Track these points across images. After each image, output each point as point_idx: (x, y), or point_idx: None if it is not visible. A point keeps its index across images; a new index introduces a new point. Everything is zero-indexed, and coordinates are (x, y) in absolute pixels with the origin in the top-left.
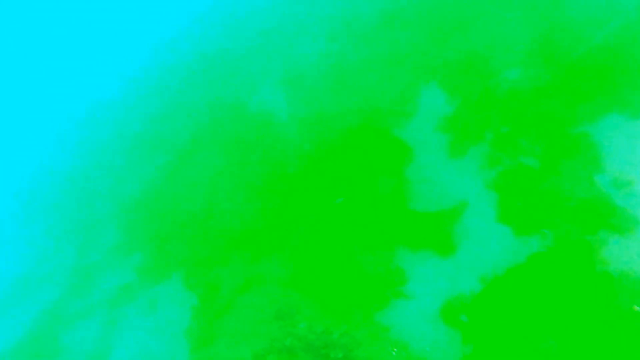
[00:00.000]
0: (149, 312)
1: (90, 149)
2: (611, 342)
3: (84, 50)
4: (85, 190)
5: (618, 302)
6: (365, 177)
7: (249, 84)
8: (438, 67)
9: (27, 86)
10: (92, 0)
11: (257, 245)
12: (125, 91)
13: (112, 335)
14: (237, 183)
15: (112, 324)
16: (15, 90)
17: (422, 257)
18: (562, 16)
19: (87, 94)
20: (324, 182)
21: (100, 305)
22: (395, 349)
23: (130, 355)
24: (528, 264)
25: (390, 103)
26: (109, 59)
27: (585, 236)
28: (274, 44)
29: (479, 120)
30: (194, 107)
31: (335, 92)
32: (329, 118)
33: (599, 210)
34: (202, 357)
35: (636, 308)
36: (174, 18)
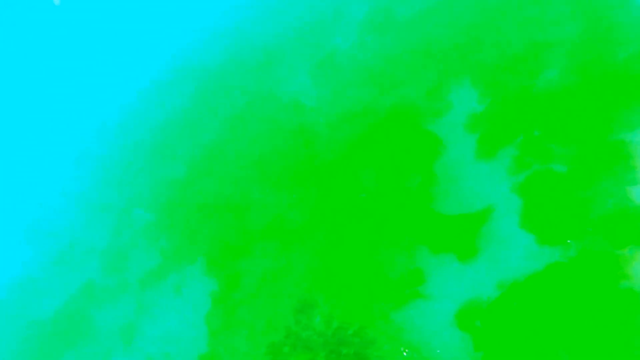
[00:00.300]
0: (173, 295)
1: (126, 133)
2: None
3: (125, 33)
4: (118, 174)
5: (639, 321)
6: (392, 173)
7: (281, 75)
8: (472, 63)
9: (71, 75)
10: None
11: (282, 237)
12: (161, 78)
13: (139, 315)
14: (266, 174)
15: (139, 305)
16: (60, 79)
17: (442, 259)
18: (608, 16)
19: (126, 80)
20: (350, 175)
21: (130, 286)
22: (406, 350)
23: (155, 335)
24: (549, 273)
25: (421, 98)
26: (149, 47)
27: (611, 249)
28: (307, 34)
29: (510, 121)
30: (227, 96)
31: (366, 84)
32: (359, 111)
33: (629, 223)
34: (219, 343)
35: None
36: (213, 9)
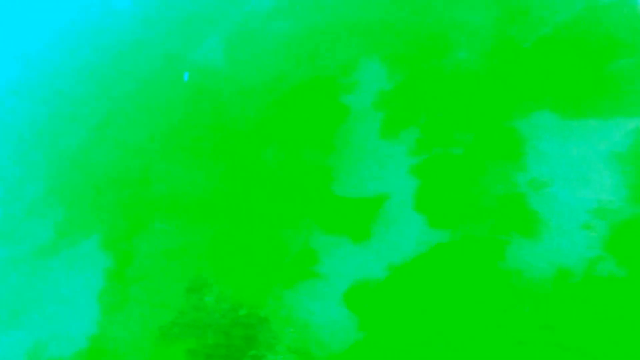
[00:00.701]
0: (65, 272)
1: (19, 103)
2: (501, 335)
3: None
4: (14, 142)
5: (514, 301)
6: (295, 149)
7: (193, 41)
8: (386, 41)
9: None
10: None
11: (181, 213)
12: (59, 45)
13: (28, 293)
14: (171, 144)
15: (28, 281)
16: None
17: (335, 239)
18: (518, 2)
19: (25, 44)
20: (256, 149)
21: (19, 261)
22: (292, 329)
23: (43, 314)
24: (436, 255)
25: (334, 72)
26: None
27: (494, 234)
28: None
29: (416, 101)
30: (135, 61)
31: (280, 54)
32: (270, 81)
33: (513, 209)
34: (110, 323)
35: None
36: None
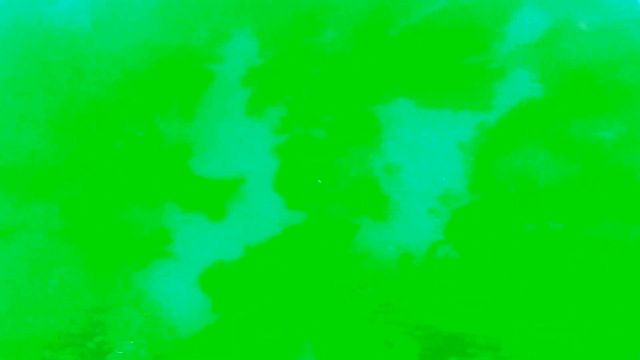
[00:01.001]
0: None
1: None
2: (346, 314)
3: None
4: None
5: (360, 282)
6: (156, 122)
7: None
8: (259, 14)
9: None
10: None
11: (27, 186)
12: None
13: None
14: (16, 112)
15: None
16: None
17: (191, 218)
18: None
19: None
20: (108, 122)
21: None
22: (143, 312)
23: None
24: (291, 236)
25: (205, 44)
26: None
27: (346, 216)
28: None
29: (284, 79)
30: None
31: (151, 22)
32: (138, 49)
33: (366, 193)
34: None
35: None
36: None
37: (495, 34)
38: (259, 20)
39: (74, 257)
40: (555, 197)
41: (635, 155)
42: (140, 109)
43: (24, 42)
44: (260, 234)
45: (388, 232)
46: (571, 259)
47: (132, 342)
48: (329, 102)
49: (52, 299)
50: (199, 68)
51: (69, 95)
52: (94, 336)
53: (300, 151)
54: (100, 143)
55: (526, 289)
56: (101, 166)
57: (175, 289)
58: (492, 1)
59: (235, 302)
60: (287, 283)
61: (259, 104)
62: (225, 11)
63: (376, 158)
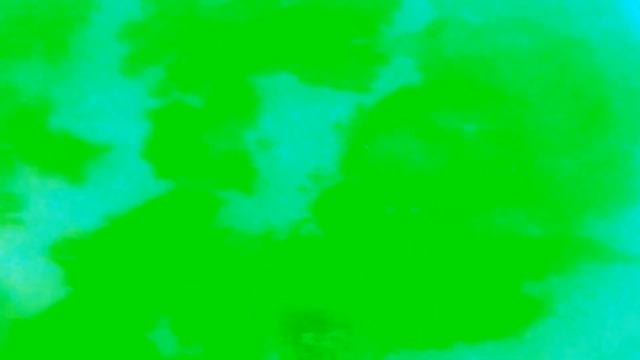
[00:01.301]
0: None
1: None
2: (206, 295)
3: None
4: None
5: (219, 259)
6: (10, 69)
7: None
8: None
9: None
10: None
11: None
12: None
13: None
14: None
15: None
16: None
17: (48, 183)
18: None
19: None
20: None
21: None
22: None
23: None
24: (156, 206)
25: None
26: None
27: (215, 188)
28: None
29: (166, 38)
30: None
31: None
32: None
33: (237, 166)
34: None
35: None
36: None
37: (385, 18)
38: None
39: None
40: (419, 183)
41: (496, 150)
42: (4, 63)
43: None
44: (121, 202)
45: (255, 207)
46: (427, 243)
47: None
48: (210, 69)
49: None
50: (70, 13)
51: None
52: None
53: (174, 118)
54: None
55: (381, 269)
56: None
57: (23, 261)
58: None
59: (89, 276)
60: (146, 256)
61: (135, 63)
62: None
63: (251, 131)
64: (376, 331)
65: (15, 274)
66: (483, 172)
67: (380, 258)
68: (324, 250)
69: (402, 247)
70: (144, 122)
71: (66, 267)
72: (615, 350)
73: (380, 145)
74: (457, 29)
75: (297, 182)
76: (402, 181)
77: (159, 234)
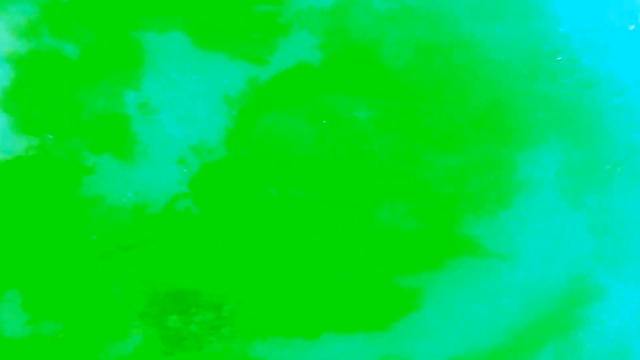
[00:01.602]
0: None
1: None
2: (66, 268)
3: None
4: None
5: (84, 230)
6: None
7: None
8: None
9: None
10: None
11: None
12: None
13: None
14: None
15: None
16: None
17: None
18: None
19: None
20: None
21: None
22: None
23: None
24: (12, 168)
25: None
26: None
27: (85, 151)
28: None
29: None
30: None
31: None
32: None
33: (113, 130)
34: None
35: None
36: None
37: None
38: None
39: None
40: (305, 167)
41: (385, 141)
42: None
43: None
44: None
45: (128, 176)
46: (305, 229)
47: None
48: (92, 16)
49: None
50: None
51: None
52: None
53: (43, 67)
54: None
55: (256, 253)
56: None
57: None
58: None
59: None
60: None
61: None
62: None
63: (132, 92)
64: (245, 317)
65: None
66: (370, 162)
67: (256, 242)
68: (198, 229)
69: (279, 232)
70: (5, 66)
71: None
72: (477, 342)
73: (269, 124)
74: (364, 13)
75: (177, 153)
76: (287, 163)
77: (15, 198)
